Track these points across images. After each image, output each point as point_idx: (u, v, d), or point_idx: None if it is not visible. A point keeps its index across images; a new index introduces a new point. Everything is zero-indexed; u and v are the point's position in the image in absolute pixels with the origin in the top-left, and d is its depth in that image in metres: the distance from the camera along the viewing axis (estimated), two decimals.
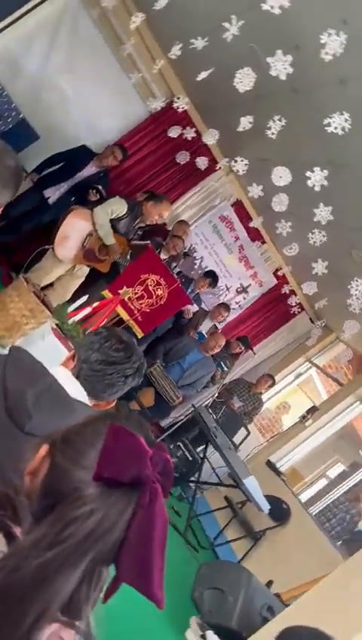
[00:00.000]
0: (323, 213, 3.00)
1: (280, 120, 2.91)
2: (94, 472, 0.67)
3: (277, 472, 5.48)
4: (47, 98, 5.00)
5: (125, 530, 0.65)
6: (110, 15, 4.82)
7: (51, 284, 4.44)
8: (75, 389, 1.27)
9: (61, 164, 4.70)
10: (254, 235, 5.97)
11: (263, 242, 6.07)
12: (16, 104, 4.69)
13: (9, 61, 4.80)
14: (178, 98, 3.94)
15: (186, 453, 4.91)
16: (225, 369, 5.40)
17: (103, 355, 1.48)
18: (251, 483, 4.15)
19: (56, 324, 3.08)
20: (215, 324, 5.70)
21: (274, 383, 5.63)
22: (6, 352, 2.69)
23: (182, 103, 3.83)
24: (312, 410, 5.80)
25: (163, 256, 4.65)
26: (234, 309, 5.97)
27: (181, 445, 4.97)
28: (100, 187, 4.61)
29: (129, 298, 3.69)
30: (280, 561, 4.49)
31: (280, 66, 2.62)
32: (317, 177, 2.64)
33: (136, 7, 4.70)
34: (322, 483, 8.76)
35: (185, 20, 3.96)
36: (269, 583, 4.04)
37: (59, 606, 0.61)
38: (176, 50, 3.25)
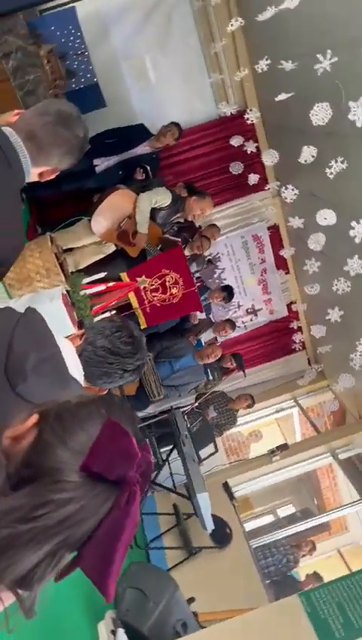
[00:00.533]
0: (355, 265, 3.00)
1: (342, 162, 2.91)
2: (82, 462, 0.68)
3: (231, 496, 5.48)
4: (124, 71, 5.02)
5: (96, 524, 0.66)
6: (210, 10, 4.83)
7: (71, 249, 4.45)
8: (75, 367, 1.28)
9: (115, 137, 4.70)
10: (280, 263, 5.97)
11: (287, 272, 6.07)
12: (93, 67, 4.70)
13: (99, 24, 4.81)
14: (250, 110, 3.95)
15: (151, 450, 4.92)
16: (211, 378, 5.41)
17: (111, 343, 1.48)
18: (203, 499, 4.15)
19: (67, 291, 3.08)
20: (216, 337, 5.70)
21: (252, 405, 5.62)
22: (13, 302, 2.70)
23: (253, 116, 3.84)
24: (283, 447, 5.79)
25: (186, 252, 4.65)
26: (239, 327, 5.97)
27: (147, 441, 4.97)
28: (148, 168, 4.61)
29: (144, 288, 3.69)
30: (208, 582, 4.49)
31: (360, 111, 2.62)
32: (361, 230, 2.63)
33: (239, 10, 4.71)
34: (269, 519, 8.78)
35: (281, 39, 3.96)
36: (190, 600, 4.04)
37: (14, 577, 0.62)
38: (263, 64, 3.26)
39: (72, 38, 4.50)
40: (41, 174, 1.40)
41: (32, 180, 1.41)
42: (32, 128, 1.34)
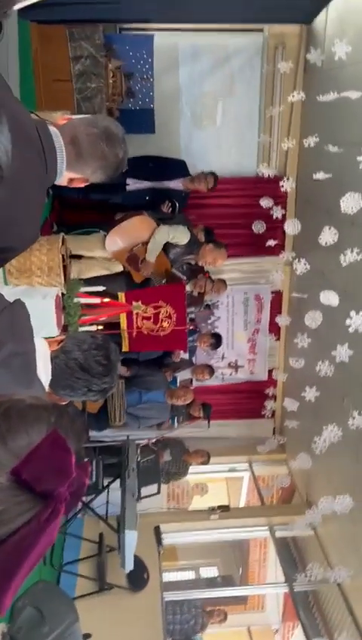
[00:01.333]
0: (343, 352, 3.04)
1: (357, 254, 2.98)
2: (14, 467, 0.67)
3: (159, 542, 5.36)
4: (181, 106, 5.17)
5: (10, 533, 0.65)
6: (277, 77, 5.02)
7: (80, 257, 4.48)
8: (44, 370, 1.28)
9: (154, 164, 4.79)
10: (274, 328, 6.02)
11: (277, 339, 6.12)
12: (154, 94, 4.85)
13: (171, 57, 4.98)
14: (287, 179, 4.07)
15: (94, 473, 4.82)
16: (175, 424, 5.36)
17: (84, 358, 1.47)
18: (130, 537, 4.06)
19: (62, 294, 3.09)
20: (191, 379, 5.69)
21: (207, 462, 5.56)
22: (6, 289, 2.69)
23: (288, 185, 3.96)
24: (224, 508, 5.70)
25: (188, 288, 4.68)
26: (217, 377, 5.97)
27: (94, 464, 4.88)
28: (177, 204, 4.69)
29: (137, 313, 3.71)
30: (109, 622, 4.34)
31: None
32: (357, 322, 2.68)
33: (304, 84, 4.90)
34: (190, 575, 8.56)
35: (334, 123, 4.11)
36: (87, 636, 3.90)
37: None
38: (311, 141, 3.37)
39: (142, 62, 4.65)
40: (71, 180, 1.43)
41: (61, 183, 1.43)
42: (77, 134, 1.37)
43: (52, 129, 1.35)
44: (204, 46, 5.01)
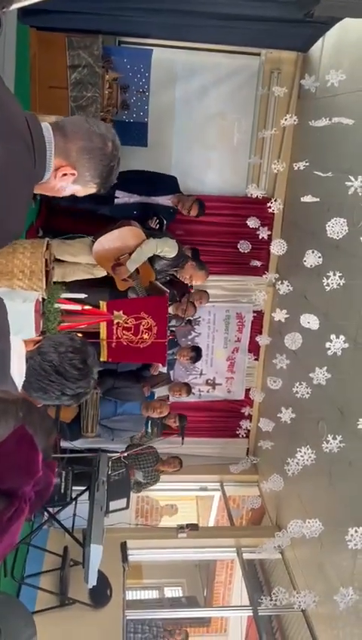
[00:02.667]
0: (320, 375, 3.04)
1: (340, 278, 3.00)
2: None
3: (124, 559, 5.26)
4: (175, 122, 5.21)
5: None
6: (271, 99, 5.10)
7: (63, 261, 4.45)
8: (17, 370, 1.24)
9: (144, 179, 4.81)
10: (253, 347, 6.04)
11: (256, 359, 6.13)
12: (148, 108, 4.88)
13: (168, 73, 5.03)
14: (275, 200, 4.09)
15: (62, 484, 4.73)
16: (149, 431, 5.32)
17: (60, 361, 1.44)
18: (96, 551, 3.97)
19: (43, 299, 3.05)
20: (168, 395, 5.66)
21: (180, 469, 5.50)
22: None
23: (275, 207, 3.98)
24: (192, 527, 5.63)
25: (170, 310, 4.68)
26: (193, 394, 5.94)
27: (63, 474, 4.79)
28: (165, 221, 4.70)
29: (117, 323, 3.68)
30: (70, 637, 4.23)
31: None
32: (337, 345, 2.69)
33: (297, 110, 4.98)
34: (153, 595, 8.42)
35: (325, 148, 4.18)
36: None
37: None
38: (301, 165, 3.41)
39: (138, 76, 4.69)
40: (58, 169, 1.38)
41: (49, 181, 1.40)
42: (63, 119, 1.37)
43: (43, 123, 1.33)
44: (202, 65, 5.08)
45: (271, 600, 3.81)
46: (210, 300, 5.39)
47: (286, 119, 3.60)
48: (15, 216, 1.37)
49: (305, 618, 4.54)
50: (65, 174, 1.40)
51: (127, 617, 4.86)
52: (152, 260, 4.36)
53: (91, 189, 1.47)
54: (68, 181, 1.42)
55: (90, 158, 1.39)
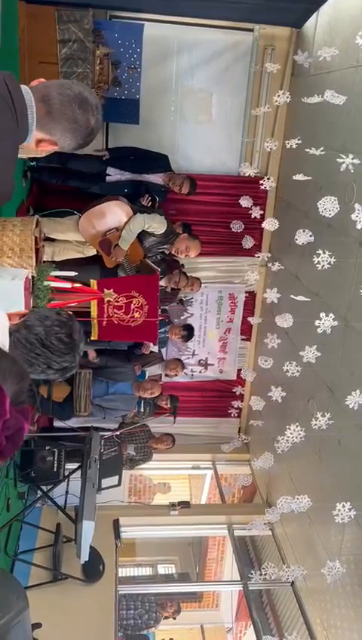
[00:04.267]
0: (309, 354, 3.06)
1: (330, 257, 3.00)
2: None
3: (117, 535, 5.33)
4: (166, 99, 5.14)
5: None
6: (265, 76, 5.03)
7: (53, 240, 4.43)
8: (1, 340, 1.24)
9: (136, 157, 4.76)
10: (246, 328, 6.05)
11: (248, 339, 6.14)
12: (140, 85, 4.81)
13: (160, 48, 4.95)
14: (268, 179, 4.08)
15: (55, 462, 4.77)
16: (141, 411, 5.35)
17: (45, 334, 1.44)
18: (87, 528, 4.02)
19: (32, 277, 3.04)
20: (161, 374, 5.67)
21: (172, 446, 5.55)
22: None
23: (268, 185, 3.97)
24: (184, 504, 5.70)
25: (162, 283, 4.67)
26: (186, 374, 5.97)
27: (55, 452, 4.83)
28: (157, 198, 4.67)
29: (108, 301, 3.67)
30: (61, 613, 4.29)
31: None
32: (326, 323, 2.70)
33: (291, 86, 4.92)
34: (147, 572, 8.54)
35: (318, 125, 4.14)
36: (36, 625, 3.84)
37: None
38: (293, 142, 3.39)
39: (130, 51, 4.61)
40: (39, 141, 1.39)
41: (30, 143, 1.39)
42: (49, 93, 1.35)
43: (23, 87, 1.32)
44: (194, 41, 4.99)
45: (261, 574, 3.89)
46: (203, 282, 5.39)
47: (278, 96, 3.57)
48: (3, 177, 1.35)
49: (293, 592, 4.63)
50: (45, 147, 1.41)
51: (120, 592, 4.94)
52: (141, 237, 4.34)
53: (68, 151, 1.49)
54: (48, 149, 1.44)
55: (72, 136, 1.41)
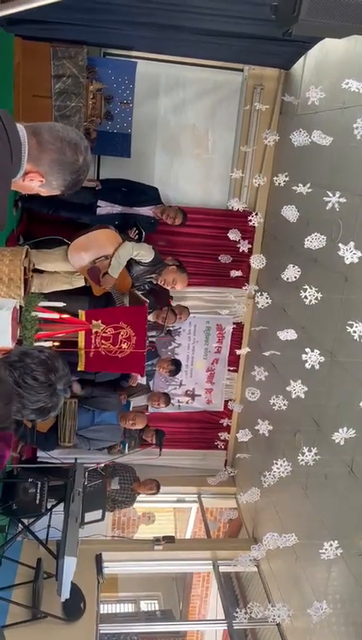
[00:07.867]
0: (297, 387, 3.06)
1: (317, 292, 3.03)
2: None
3: (99, 571, 5.20)
4: (157, 134, 5.26)
5: None
6: (254, 115, 5.17)
7: (42, 271, 4.44)
8: None
9: (127, 189, 4.82)
10: (233, 360, 6.06)
11: (235, 371, 6.14)
12: (132, 119, 4.91)
13: (153, 86, 5.09)
14: (256, 214, 4.14)
15: (37, 495, 4.66)
16: (125, 448, 5.28)
17: (20, 373, 1.40)
18: (69, 564, 3.92)
19: (20, 307, 3.03)
20: (147, 405, 5.63)
21: (156, 492, 5.47)
22: None
23: (256, 221, 4.02)
24: (168, 539, 5.59)
25: (150, 318, 4.68)
26: (173, 404, 5.93)
27: (38, 485, 4.72)
28: (143, 231, 4.71)
29: (96, 332, 3.66)
30: None
31: (349, 254, 2.78)
32: (313, 358, 2.72)
33: (279, 126, 5.05)
34: (129, 608, 8.32)
35: (306, 163, 4.24)
36: None
37: None
38: (281, 179, 3.45)
39: (123, 87, 4.72)
40: (27, 173, 1.41)
41: (18, 179, 1.42)
42: (40, 127, 1.40)
43: (19, 125, 1.35)
44: (185, 79, 5.13)
45: (246, 613, 3.79)
46: (191, 311, 5.41)
47: (267, 134, 3.65)
48: None
49: (279, 632, 4.53)
50: (32, 180, 1.43)
51: (101, 631, 4.79)
52: (129, 266, 4.38)
53: (55, 193, 1.51)
54: (35, 185, 1.46)
55: (60, 170, 1.43)
